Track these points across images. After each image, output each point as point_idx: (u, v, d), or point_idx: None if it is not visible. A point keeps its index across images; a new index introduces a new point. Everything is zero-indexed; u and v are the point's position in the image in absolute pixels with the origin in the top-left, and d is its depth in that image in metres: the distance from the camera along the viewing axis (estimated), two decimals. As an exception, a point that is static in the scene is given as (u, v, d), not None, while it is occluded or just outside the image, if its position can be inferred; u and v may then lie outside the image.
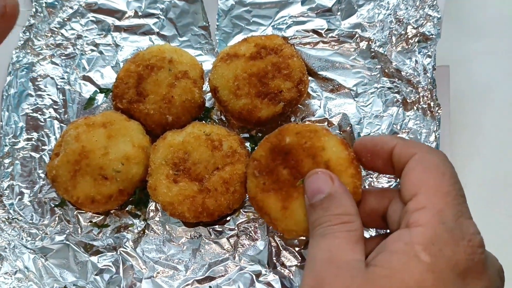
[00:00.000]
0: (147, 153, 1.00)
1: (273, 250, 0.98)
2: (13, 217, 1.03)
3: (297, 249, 0.98)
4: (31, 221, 1.03)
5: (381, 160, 0.73)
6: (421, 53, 1.06)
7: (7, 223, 1.02)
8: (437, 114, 1.02)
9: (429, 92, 1.04)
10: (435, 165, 0.64)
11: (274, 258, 0.98)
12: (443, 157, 0.66)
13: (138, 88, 1.04)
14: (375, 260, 0.60)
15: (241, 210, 1.01)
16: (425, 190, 0.62)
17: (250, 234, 1.00)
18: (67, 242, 1.00)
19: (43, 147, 1.09)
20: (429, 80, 1.04)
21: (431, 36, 1.06)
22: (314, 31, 1.15)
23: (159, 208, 1.02)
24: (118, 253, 0.99)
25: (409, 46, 1.08)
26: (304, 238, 0.98)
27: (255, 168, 0.86)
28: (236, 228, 1.00)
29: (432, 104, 1.03)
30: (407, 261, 0.57)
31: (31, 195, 1.05)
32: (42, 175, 1.06)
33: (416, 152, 0.66)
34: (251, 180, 0.87)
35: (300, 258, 0.97)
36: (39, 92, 1.14)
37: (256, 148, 0.90)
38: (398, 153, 0.69)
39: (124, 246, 1.00)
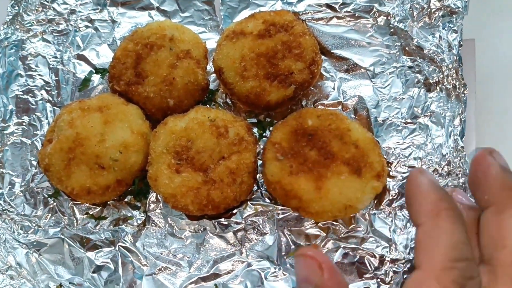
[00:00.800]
0: (147, 140, 0.93)
1: (283, 245, 0.91)
2: (3, 209, 0.95)
3: (307, 244, 0.91)
4: (23, 213, 0.95)
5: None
6: (446, 28, 0.97)
7: (-3, 215, 0.95)
8: (462, 95, 0.93)
9: (454, 71, 0.95)
10: None
11: (284, 254, 0.90)
12: None
13: (136, 68, 0.96)
14: None
15: (248, 202, 0.94)
16: None
17: (258, 228, 0.92)
18: (62, 236, 0.93)
19: (35, 132, 1.01)
20: (455, 57, 0.95)
21: (457, 9, 0.96)
22: (328, 6, 1.06)
23: (160, 199, 0.95)
24: (117, 248, 0.92)
25: (432, 20, 0.99)
26: (321, 231, 0.90)
27: (277, 152, 0.85)
28: (243, 222, 0.93)
29: (457, 84, 0.94)
30: None
31: (22, 184, 0.97)
32: (34, 163, 0.99)
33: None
34: (274, 164, 0.85)
35: (312, 254, 0.90)
36: (30, 72, 1.06)
37: (270, 132, 0.89)
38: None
39: (123, 241, 0.93)
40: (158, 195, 0.94)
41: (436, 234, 0.57)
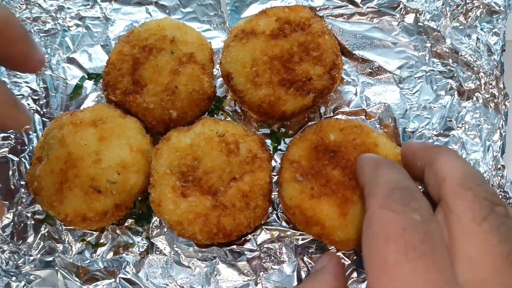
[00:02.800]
0: (148, 157, 0.83)
1: (303, 275, 0.82)
2: (-10, 237, 0.86)
3: (331, 272, 0.82)
4: (11, 240, 0.85)
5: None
6: (485, 30, 0.86)
7: (-17, 244, 0.85)
8: (503, 106, 0.83)
9: (494, 78, 0.85)
10: None
11: (304, 285, 0.81)
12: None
13: (134, 75, 0.85)
14: None
15: (263, 226, 0.84)
16: None
17: (275, 255, 0.83)
18: (55, 267, 0.84)
19: (22, 147, 0.90)
20: (496, 63, 0.85)
21: (498, 8, 0.85)
22: (349, 0, 0.94)
23: (164, 223, 0.85)
24: (117, 280, 0.83)
25: (469, 20, 0.88)
26: (346, 259, 0.82)
27: (295, 172, 0.77)
28: (258, 249, 0.84)
29: (497, 93, 0.84)
30: None
31: (10, 207, 0.87)
32: (23, 183, 0.88)
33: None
34: (292, 186, 0.76)
35: (335, 285, 0.81)
36: (15, 79, 0.95)
37: (287, 148, 0.80)
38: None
39: (124, 272, 0.83)
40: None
41: (376, 178, 0.61)
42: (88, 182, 0.79)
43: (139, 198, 0.84)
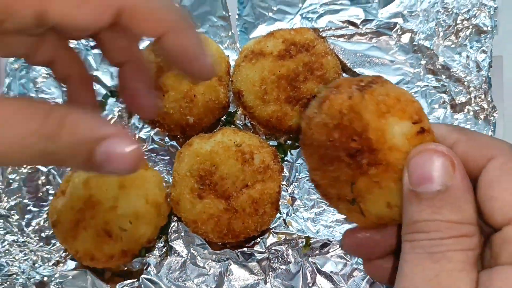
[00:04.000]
0: (160, 211, 0.90)
1: (308, 274, 0.89)
2: (23, 240, 0.94)
3: (334, 271, 0.89)
4: (42, 244, 0.94)
5: None
6: (474, 48, 0.93)
7: (15, 246, 0.93)
8: (492, 117, 0.91)
9: (482, 92, 0.92)
10: None
11: (309, 283, 0.89)
12: None
13: (157, 82, 0.92)
14: None
15: (271, 230, 0.92)
16: None
17: (282, 256, 0.91)
18: (83, 268, 0.92)
19: (51, 159, 0.98)
20: (484, 78, 0.92)
21: (486, 28, 0.92)
22: (349, 22, 1.02)
23: (181, 228, 0.93)
24: (140, 280, 0.90)
25: (459, 39, 0.95)
26: (348, 259, 0.89)
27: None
28: (266, 251, 0.91)
29: (485, 106, 0.91)
30: None
31: (39, 214, 0.95)
32: (52, 192, 0.96)
33: (495, 153, 0.50)
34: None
35: (337, 283, 0.88)
36: (42, 95, 1.03)
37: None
38: (463, 154, 0.52)
39: (146, 272, 0.91)
40: (179, 224, 0.93)
41: None
42: (101, 225, 0.86)
43: (145, 247, 0.91)
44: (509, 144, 0.52)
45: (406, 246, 0.48)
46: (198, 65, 0.56)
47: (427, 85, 0.96)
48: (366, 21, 1.01)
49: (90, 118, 0.48)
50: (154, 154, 0.99)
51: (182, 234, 0.93)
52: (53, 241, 0.94)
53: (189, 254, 0.92)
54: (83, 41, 1.06)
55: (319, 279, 0.89)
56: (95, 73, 1.04)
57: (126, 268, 0.92)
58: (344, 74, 0.99)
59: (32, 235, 0.94)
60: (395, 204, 0.50)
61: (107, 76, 1.04)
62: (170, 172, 0.96)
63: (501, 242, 0.48)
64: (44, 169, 0.98)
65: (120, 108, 1.02)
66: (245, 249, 0.91)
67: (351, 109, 0.49)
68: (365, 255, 0.60)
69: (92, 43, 1.06)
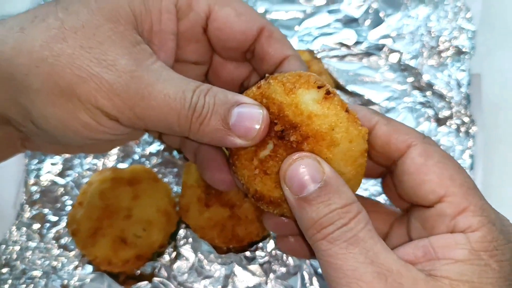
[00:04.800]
0: (170, 218, 0.99)
1: (306, 275, 0.97)
2: (44, 247, 1.02)
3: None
4: (61, 250, 1.02)
5: None
6: (454, 67, 1.02)
7: (37, 252, 1.02)
8: (471, 130, 0.99)
9: (462, 108, 1.00)
10: (445, 157, 0.57)
11: (306, 284, 0.97)
12: (438, 145, 0.59)
13: None
14: (440, 271, 0.53)
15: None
16: (457, 189, 0.55)
17: (282, 259, 0.99)
18: (99, 272, 1.00)
19: (68, 171, 1.08)
20: (463, 95, 1.00)
21: (465, 49, 1.01)
22: (342, 44, 1.11)
23: (189, 234, 1.01)
24: (153, 282, 0.99)
25: (441, 59, 1.04)
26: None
27: None
28: (268, 254, 0.99)
29: (465, 120, 1.00)
30: (480, 272, 0.52)
31: (57, 223, 1.04)
32: (69, 202, 1.05)
33: (413, 141, 0.57)
34: None
35: (333, 283, 0.96)
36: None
37: None
38: (384, 136, 0.58)
39: (158, 275, 0.99)
40: (187, 231, 1.01)
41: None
42: (118, 232, 0.95)
43: (157, 252, 0.99)
44: (422, 133, 0.60)
45: (323, 244, 0.53)
46: None
47: (414, 101, 1.05)
48: (357, 43, 1.10)
49: (228, 91, 0.58)
50: (163, 167, 1.07)
51: (190, 240, 1.01)
52: (71, 247, 1.02)
53: (197, 258, 1.00)
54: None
55: (316, 279, 0.97)
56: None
57: (139, 272, 1.00)
58: (338, 92, 1.07)
59: (53, 242, 1.02)
60: (340, 169, 0.56)
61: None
62: (179, 183, 1.05)
63: (436, 217, 0.56)
64: (62, 181, 1.07)
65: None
66: (248, 253, 1.00)
67: (263, 96, 0.56)
68: (281, 232, 0.68)
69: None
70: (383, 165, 0.63)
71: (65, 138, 0.60)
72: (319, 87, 0.55)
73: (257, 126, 0.55)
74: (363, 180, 0.60)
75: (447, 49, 1.04)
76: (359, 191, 0.58)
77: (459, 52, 1.03)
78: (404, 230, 0.65)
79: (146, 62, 0.57)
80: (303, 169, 0.53)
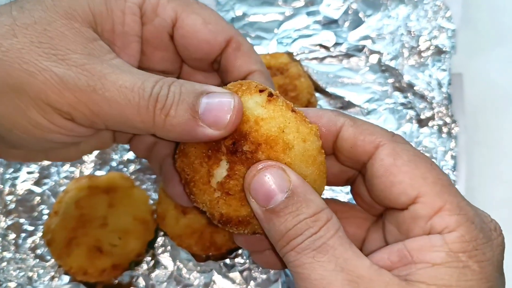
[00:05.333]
0: (148, 226, 0.96)
1: (286, 282, 0.95)
2: (20, 257, 1.00)
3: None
4: (37, 261, 1.00)
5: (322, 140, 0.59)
6: (435, 67, 1.01)
7: (13, 263, 1.00)
8: (453, 131, 0.97)
9: (444, 108, 0.99)
10: (415, 156, 0.55)
11: (287, 290, 0.95)
12: (408, 143, 0.57)
13: None
14: (416, 275, 0.50)
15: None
16: (429, 188, 0.53)
17: (262, 266, 0.97)
18: (76, 282, 0.98)
19: (44, 180, 1.05)
20: (444, 95, 0.99)
21: (445, 49, 1.00)
22: (321, 46, 1.09)
23: (167, 242, 0.99)
24: (130, 292, 0.97)
25: (422, 59, 1.02)
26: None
27: None
28: (247, 262, 0.97)
29: (447, 120, 0.98)
30: (459, 274, 0.49)
31: (35, 233, 1.02)
32: (46, 211, 1.03)
33: (381, 141, 0.55)
34: None
35: (315, 290, 0.94)
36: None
37: None
38: (351, 138, 0.56)
39: (135, 284, 0.97)
40: (165, 239, 0.99)
41: None
42: (93, 242, 0.92)
43: (134, 261, 0.97)
44: (390, 131, 0.58)
45: (291, 255, 0.51)
46: None
47: (395, 102, 1.03)
48: (336, 44, 1.08)
49: (196, 82, 0.56)
50: (142, 174, 1.05)
51: (169, 247, 0.99)
52: (48, 257, 1.00)
53: (175, 267, 0.98)
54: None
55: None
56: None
57: (116, 281, 0.98)
58: (317, 94, 1.06)
59: (28, 252, 1.00)
60: (302, 171, 0.54)
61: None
62: (157, 189, 1.03)
63: (411, 219, 0.54)
64: (38, 190, 1.05)
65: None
66: (228, 260, 0.97)
67: None
68: (254, 249, 0.66)
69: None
70: (354, 168, 0.61)
71: (16, 139, 0.57)
72: (260, 91, 0.54)
73: (229, 115, 0.52)
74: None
75: (428, 48, 1.02)
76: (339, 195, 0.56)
77: (439, 52, 1.01)
78: (380, 235, 0.62)
79: (103, 57, 0.55)
80: (268, 179, 0.51)
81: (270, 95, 0.54)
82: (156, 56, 0.66)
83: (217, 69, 0.68)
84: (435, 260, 0.50)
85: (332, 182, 0.65)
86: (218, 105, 0.52)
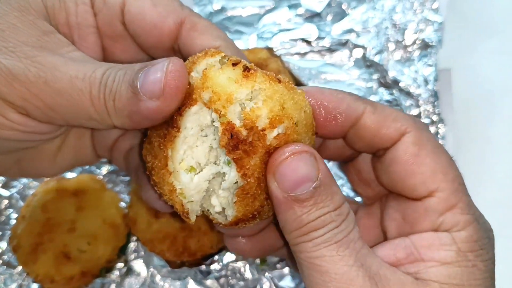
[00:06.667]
0: (119, 230, 0.92)
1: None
2: (-15, 264, 0.95)
3: (291, 287, 0.90)
4: (5, 268, 0.95)
5: (339, 127, 0.56)
6: (421, 62, 0.95)
7: (-21, 270, 0.95)
8: (440, 130, 0.92)
9: (431, 106, 0.94)
10: (438, 147, 0.55)
11: (266, 298, 0.90)
12: (429, 130, 0.57)
13: None
14: (427, 273, 0.51)
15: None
16: (448, 185, 0.53)
17: (240, 272, 0.92)
18: (44, 290, 0.93)
19: (13, 183, 1.00)
20: (431, 92, 0.93)
21: (431, 43, 0.95)
22: (303, 40, 1.04)
23: (140, 247, 0.94)
24: (100, 301, 0.92)
25: (408, 54, 0.97)
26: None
27: None
28: (224, 268, 0.92)
29: (434, 118, 0.93)
30: (469, 274, 0.51)
31: (3, 238, 0.97)
32: (14, 216, 0.98)
33: (407, 128, 0.54)
34: None
35: (294, 297, 0.89)
36: None
37: None
38: (374, 125, 0.55)
39: (106, 293, 0.92)
40: (138, 244, 0.94)
41: None
42: (60, 247, 0.88)
43: (105, 267, 0.92)
44: (415, 118, 0.58)
45: (308, 246, 0.49)
46: None
47: (381, 99, 0.99)
48: (319, 38, 1.03)
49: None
50: (114, 175, 1.00)
51: (142, 253, 0.94)
52: (15, 264, 0.95)
53: (149, 273, 0.93)
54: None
55: (277, 293, 0.90)
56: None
57: (87, 290, 0.93)
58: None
59: (-4, 258, 0.96)
60: (306, 141, 0.52)
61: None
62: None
63: (423, 211, 0.54)
64: (6, 193, 1.00)
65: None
66: (203, 266, 0.93)
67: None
68: (232, 234, 0.64)
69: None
70: (367, 152, 0.59)
71: None
72: (234, 64, 0.49)
73: (160, 76, 0.48)
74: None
75: (414, 42, 0.97)
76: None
77: (426, 46, 0.96)
78: (374, 221, 0.62)
79: (59, 50, 0.53)
80: (304, 164, 0.48)
81: (246, 69, 0.49)
82: (116, 48, 0.63)
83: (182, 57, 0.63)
84: (445, 258, 0.51)
85: (329, 158, 0.64)
86: (152, 72, 0.49)
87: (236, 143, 0.47)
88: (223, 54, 0.51)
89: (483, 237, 0.52)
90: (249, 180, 0.49)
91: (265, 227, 0.63)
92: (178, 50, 0.60)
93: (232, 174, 0.49)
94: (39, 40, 0.53)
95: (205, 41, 0.58)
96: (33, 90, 0.51)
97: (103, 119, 0.53)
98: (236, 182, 0.50)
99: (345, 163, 0.67)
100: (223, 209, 0.53)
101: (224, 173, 0.50)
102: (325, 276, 0.48)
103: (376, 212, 0.63)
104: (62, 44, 0.54)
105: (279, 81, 0.50)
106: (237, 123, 0.47)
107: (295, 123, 0.49)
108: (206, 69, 0.49)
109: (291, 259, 0.61)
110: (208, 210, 0.54)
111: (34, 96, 0.51)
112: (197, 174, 0.52)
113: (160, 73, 0.48)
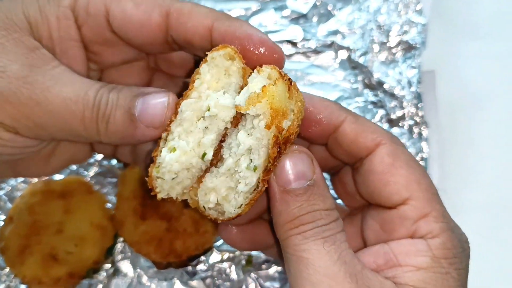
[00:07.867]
0: (106, 232, 0.92)
1: (250, 288, 0.92)
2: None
3: (277, 286, 0.91)
4: (-7, 269, 0.96)
5: (320, 131, 0.60)
6: (405, 64, 0.96)
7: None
8: (423, 132, 0.93)
9: (414, 108, 0.94)
10: (412, 160, 0.58)
11: (252, 299, 0.91)
12: (404, 146, 0.60)
13: None
14: (403, 278, 0.53)
15: (214, 249, 0.94)
16: (421, 194, 0.56)
17: (226, 273, 0.93)
18: (32, 291, 0.94)
19: (1, 184, 1.01)
20: (414, 94, 0.94)
21: (415, 44, 0.95)
22: (288, 42, 1.04)
23: (127, 249, 0.95)
24: (88, 302, 0.93)
25: (392, 55, 0.98)
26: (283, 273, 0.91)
27: None
28: (210, 269, 0.93)
29: (418, 120, 0.94)
30: (442, 280, 0.53)
31: (-9, 240, 0.98)
32: (2, 217, 0.99)
33: (382, 139, 0.58)
34: None
35: (279, 297, 0.90)
36: None
37: None
38: (353, 134, 0.59)
39: (93, 293, 0.93)
40: (125, 245, 0.95)
41: None
42: (47, 249, 0.89)
43: (92, 268, 0.93)
44: (390, 132, 0.61)
45: (297, 238, 0.53)
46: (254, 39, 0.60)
47: (366, 101, 0.99)
48: (304, 40, 1.04)
49: (136, 86, 0.57)
50: (102, 177, 1.01)
51: (129, 254, 0.95)
52: (3, 266, 0.96)
53: (136, 274, 0.94)
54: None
55: (262, 293, 0.91)
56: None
57: (75, 291, 0.94)
58: (285, 93, 1.01)
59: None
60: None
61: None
62: (120, 194, 0.99)
63: (398, 219, 0.57)
64: (-5, 195, 1.01)
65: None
66: (190, 267, 0.94)
67: None
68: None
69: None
70: (345, 162, 0.63)
71: None
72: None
73: (164, 113, 0.53)
74: None
75: (398, 44, 0.97)
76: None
77: (410, 48, 0.96)
78: (356, 229, 0.65)
79: (45, 66, 0.55)
80: (303, 162, 0.53)
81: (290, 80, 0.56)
82: (109, 52, 0.64)
83: (175, 46, 0.63)
84: (420, 264, 0.53)
85: None
86: (153, 105, 0.53)
87: (278, 154, 0.52)
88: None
89: (458, 246, 0.54)
90: (266, 184, 0.54)
91: (255, 218, 0.67)
92: (173, 41, 0.61)
93: (254, 179, 0.53)
94: (27, 58, 0.54)
95: (196, 22, 0.58)
96: (25, 111, 0.53)
97: (91, 137, 0.56)
98: (257, 187, 0.54)
99: (332, 176, 0.70)
100: (217, 204, 0.56)
101: (241, 176, 0.54)
102: (310, 269, 0.51)
103: (357, 222, 0.65)
104: (47, 60, 0.56)
105: (297, 90, 0.56)
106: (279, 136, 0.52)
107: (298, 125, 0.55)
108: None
109: (280, 256, 0.64)
110: (203, 206, 0.57)
111: (25, 116, 0.53)
112: (175, 155, 0.54)
113: (161, 106, 0.53)
